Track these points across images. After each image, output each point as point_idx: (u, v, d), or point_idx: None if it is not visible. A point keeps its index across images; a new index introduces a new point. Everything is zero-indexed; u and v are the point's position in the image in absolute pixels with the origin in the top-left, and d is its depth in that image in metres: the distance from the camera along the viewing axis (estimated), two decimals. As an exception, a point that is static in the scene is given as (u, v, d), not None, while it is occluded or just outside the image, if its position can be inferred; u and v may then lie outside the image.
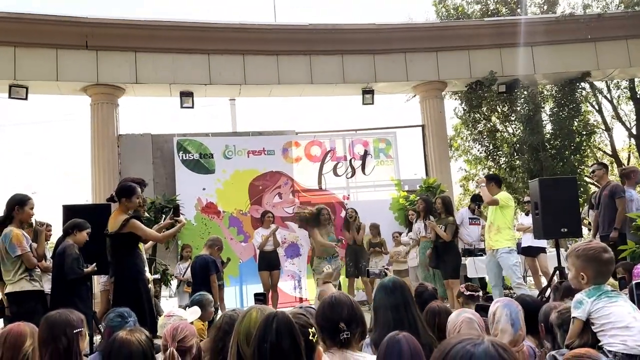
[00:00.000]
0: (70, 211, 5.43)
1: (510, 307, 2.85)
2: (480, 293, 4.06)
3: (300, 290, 9.74)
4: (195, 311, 3.89)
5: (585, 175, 12.47)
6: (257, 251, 8.50)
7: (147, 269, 5.34)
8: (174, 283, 8.84)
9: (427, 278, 7.75)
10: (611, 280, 4.28)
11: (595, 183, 7.99)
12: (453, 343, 1.15)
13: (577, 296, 2.70)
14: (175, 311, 3.38)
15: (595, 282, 2.68)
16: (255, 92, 11.58)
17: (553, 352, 2.57)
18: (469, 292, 4.04)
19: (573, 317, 2.64)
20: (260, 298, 4.13)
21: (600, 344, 2.45)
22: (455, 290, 6.49)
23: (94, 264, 5.07)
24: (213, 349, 2.42)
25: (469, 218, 8.85)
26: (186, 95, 10.59)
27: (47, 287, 5.28)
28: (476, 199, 9.16)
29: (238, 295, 9.40)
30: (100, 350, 3.08)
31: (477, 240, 8.80)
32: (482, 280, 9.13)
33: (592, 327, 2.57)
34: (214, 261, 6.05)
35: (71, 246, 4.85)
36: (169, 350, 2.48)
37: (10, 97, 9.72)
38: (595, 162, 8.83)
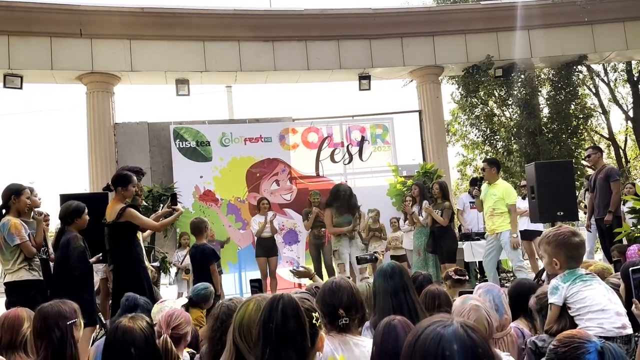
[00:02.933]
0: (67, 200, 5.42)
1: (493, 292, 2.87)
2: (467, 277, 4.10)
3: (298, 276, 9.79)
4: (182, 300, 3.94)
5: (582, 159, 12.50)
6: (255, 238, 8.53)
7: (145, 257, 5.36)
8: (173, 271, 8.88)
9: (418, 262, 7.80)
10: (606, 264, 4.32)
11: (591, 167, 8.02)
12: (424, 326, 1.19)
13: (553, 282, 2.72)
14: (167, 298, 3.43)
15: (568, 267, 2.71)
16: (251, 79, 11.54)
17: (533, 338, 2.59)
18: (457, 277, 4.08)
19: (550, 303, 2.66)
20: (255, 285, 4.14)
21: (577, 328, 2.48)
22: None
23: (99, 254, 5.07)
24: (211, 338, 2.44)
25: (470, 202, 8.90)
26: (182, 82, 10.56)
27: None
28: (475, 182, 9.20)
29: (237, 282, 9.46)
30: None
31: (476, 225, 8.85)
32: (480, 264, 9.21)
33: (569, 312, 2.60)
34: (212, 250, 6.03)
35: (75, 238, 4.82)
36: (162, 337, 2.50)
37: (5, 86, 9.68)
38: (590, 146, 8.86)
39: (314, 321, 1.68)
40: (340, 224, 7.40)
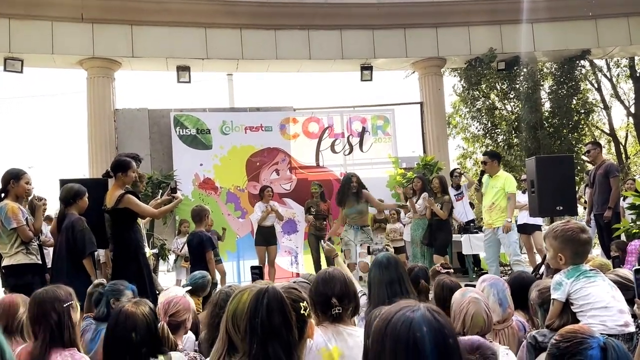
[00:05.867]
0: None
1: (497, 286, 2.85)
2: (452, 270, 4.15)
3: (297, 265, 9.83)
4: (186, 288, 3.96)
5: (582, 154, 12.48)
6: (255, 226, 8.53)
7: (145, 243, 5.37)
8: (172, 258, 8.90)
9: (417, 254, 7.82)
10: (604, 260, 4.32)
11: (590, 162, 8.00)
12: (394, 311, 1.28)
13: (556, 277, 2.69)
14: (173, 288, 3.42)
15: (573, 263, 2.68)
16: (252, 67, 11.49)
17: (533, 332, 2.58)
18: (445, 271, 4.10)
19: (553, 299, 2.64)
20: (255, 272, 4.15)
21: (580, 324, 2.48)
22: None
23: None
24: (209, 324, 2.45)
25: (454, 195, 8.95)
26: (183, 69, 10.50)
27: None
28: (453, 174, 9.31)
29: (235, 270, 9.48)
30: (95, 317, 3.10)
31: (464, 215, 8.93)
32: (476, 257, 9.24)
33: (572, 308, 2.58)
34: (209, 238, 6.04)
35: (79, 220, 4.80)
36: (159, 324, 2.51)
37: (5, 70, 9.62)
38: (589, 141, 8.84)
39: (302, 311, 1.66)
40: (347, 215, 6.94)
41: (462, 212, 8.99)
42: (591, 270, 2.69)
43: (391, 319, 1.27)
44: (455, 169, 9.79)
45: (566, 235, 2.68)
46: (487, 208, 6.87)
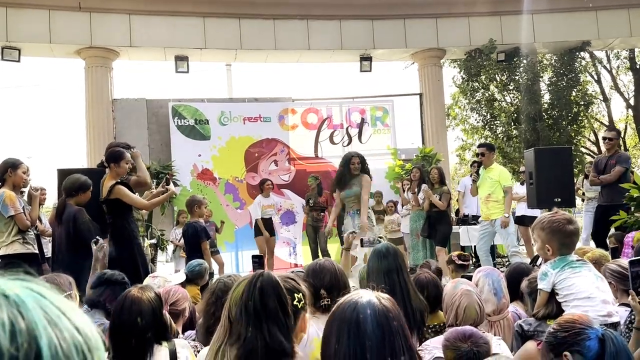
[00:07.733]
0: (64, 175, 5.38)
1: (492, 276, 2.87)
2: (470, 262, 4.11)
3: (295, 256, 9.83)
4: (180, 276, 3.95)
5: (582, 146, 12.48)
6: (253, 218, 8.52)
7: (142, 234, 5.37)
8: (170, 248, 8.91)
9: (416, 246, 7.82)
10: (604, 252, 4.31)
11: (601, 152, 7.95)
12: (345, 299, 1.40)
13: (542, 268, 2.71)
14: (159, 273, 3.42)
15: (560, 254, 2.69)
16: (251, 58, 11.45)
17: (520, 321, 2.59)
18: (460, 262, 4.08)
19: (539, 289, 2.66)
20: (256, 260, 4.16)
21: (578, 313, 2.49)
22: (440, 258, 6.59)
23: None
24: (205, 312, 2.46)
25: (471, 185, 8.88)
26: (181, 59, 10.46)
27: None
28: (473, 164, 9.24)
29: (234, 261, 9.48)
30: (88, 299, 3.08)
31: (475, 208, 8.88)
32: (475, 248, 9.25)
33: (557, 297, 2.59)
34: (204, 228, 6.04)
35: (81, 212, 4.76)
36: None
37: (2, 59, 9.58)
38: (611, 127, 8.73)
39: (295, 302, 1.66)
40: (344, 199, 6.44)
41: (475, 205, 8.89)
42: (578, 260, 2.70)
43: (340, 304, 1.38)
44: (475, 161, 9.73)
45: (553, 226, 2.69)
46: (484, 200, 6.86)
